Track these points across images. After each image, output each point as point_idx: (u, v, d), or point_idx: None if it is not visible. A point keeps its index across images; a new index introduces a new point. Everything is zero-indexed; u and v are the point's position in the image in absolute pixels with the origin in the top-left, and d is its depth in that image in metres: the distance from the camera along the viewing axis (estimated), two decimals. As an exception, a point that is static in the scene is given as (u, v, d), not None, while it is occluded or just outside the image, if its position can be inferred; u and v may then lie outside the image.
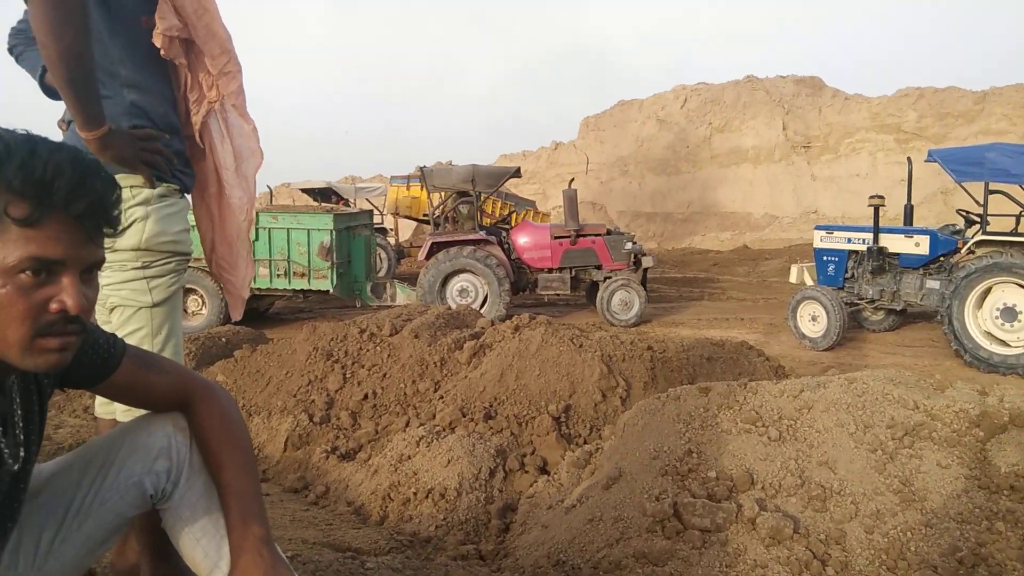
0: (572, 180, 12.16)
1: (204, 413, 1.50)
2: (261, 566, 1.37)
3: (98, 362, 1.40)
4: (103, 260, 1.18)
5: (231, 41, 2.05)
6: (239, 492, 1.45)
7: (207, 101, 2.02)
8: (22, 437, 1.24)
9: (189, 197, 2.12)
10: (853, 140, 23.25)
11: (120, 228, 1.18)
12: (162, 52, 1.92)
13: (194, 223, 2.21)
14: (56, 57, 1.64)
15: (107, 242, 1.58)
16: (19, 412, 1.24)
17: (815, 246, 9.07)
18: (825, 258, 8.88)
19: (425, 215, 14.05)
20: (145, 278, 1.89)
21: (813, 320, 8.37)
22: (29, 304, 1.07)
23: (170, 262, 1.95)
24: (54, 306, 1.10)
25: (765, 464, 2.72)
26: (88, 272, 1.15)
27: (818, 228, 9.24)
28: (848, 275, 8.69)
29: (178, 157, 1.96)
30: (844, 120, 23.67)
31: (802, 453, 2.73)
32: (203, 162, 2.09)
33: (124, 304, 1.89)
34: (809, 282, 9.04)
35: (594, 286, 10.88)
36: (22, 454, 1.22)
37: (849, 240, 8.65)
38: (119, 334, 1.88)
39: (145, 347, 1.87)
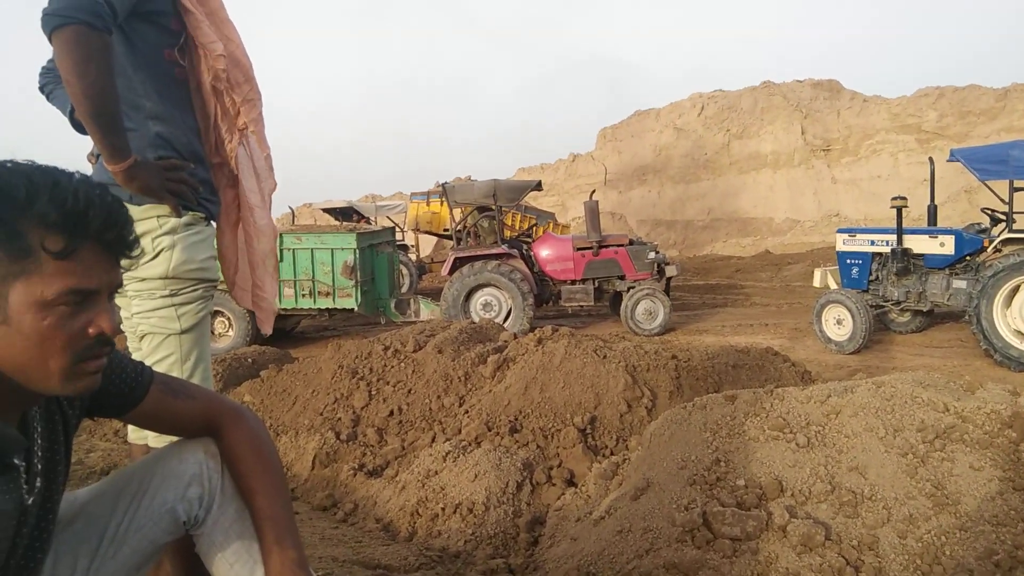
0: (593, 192, 12.16)
1: (234, 438, 1.52)
2: None
3: (126, 391, 1.43)
4: (122, 282, 1.21)
5: (252, 69, 2.10)
6: (272, 517, 1.47)
7: (238, 128, 2.06)
8: (40, 467, 1.24)
9: (214, 224, 2.16)
10: (873, 142, 23.08)
11: (137, 252, 1.20)
12: (211, 80, 1.97)
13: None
14: (81, 93, 1.68)
15: (138, 271, 1.61)
16: (40, 442, 1.25)
17: (838, 249, 8.99)
18: (849, 261, 8.80)
19: (446, 230, 14.13)
20: (173, 305, 1.92)
21: (838, 324, 8.29)
22: (70, 334, 1.10)
23: (197, 289, 1.98)
24: (92, 331, 1.12)
25: (794, 471, 2.70)
26: (110, 297, 1.18)
27: (840, 231, 9.16)
28: (872, 277, 8.60)
29: (204, 185, 2.00)
30: (863, 122, 23.50)
31: (831, 459, 2.71)
32: (231, 189, 2.13)
33: (154, 332, 1.93)
34: (833, 285, 8.97)
35: (618, 296, 10.86)
36: (39, 485, 1.23)
37: (872, 242, 8.57)
38: (149, 361, 1.92)
39: (175, 373, 1.91)
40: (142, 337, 1.96)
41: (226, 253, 2.24)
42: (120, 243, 1.15)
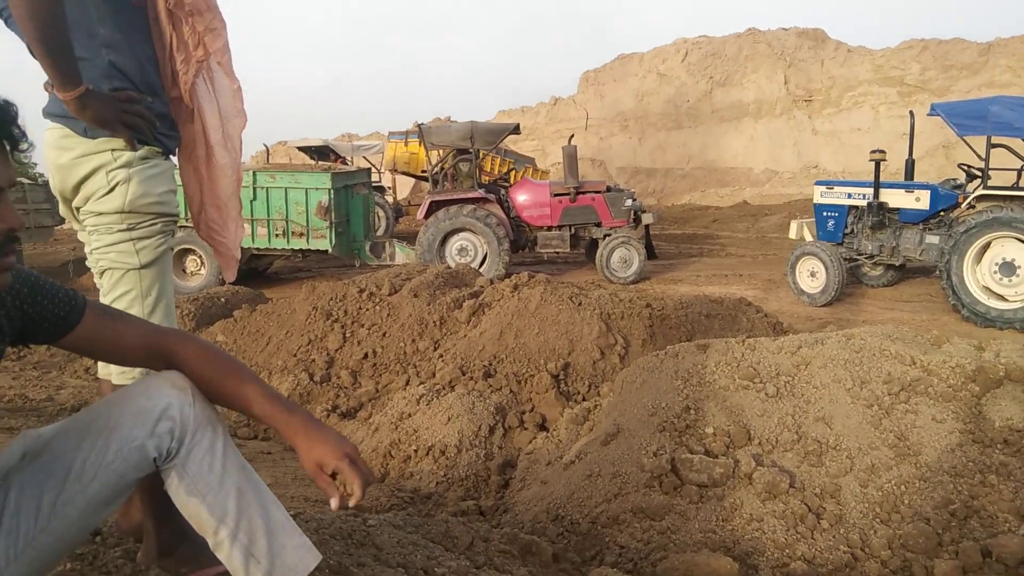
0: (572, 136, 12.06)
1: (188, 353, 1.52)
2: (326, 435, 1.46)
3: (60, 314, 1.43)
4: (15, 181, 1.21)
5: None
6: (267, 395, 1.50)
7: (195, 60, 1.98)
8: None
9: (175, 159, 2.10)
10: (855, 94, 23.01)
11: (26, 146, 1.21)
12: (173, 5, 1.89)
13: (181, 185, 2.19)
14: (26, 15, 1.61)
15: (94, 205, 1.57)
16: None
17: (815, 202, 9.03)
18: (825, 214, 8.84)
19: (424, 171, 13.99)
20: (132, 239, 1.88)
21: (812, 276, 8.37)
22: None
23: (156, 223, 1.94)
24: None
25: (762, 420, 2.74)
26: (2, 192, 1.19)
27: (818, 183, 9.18)
28: (848, 231, 8.66)
29: (161, 120, 1.93)
30: (847, 73, 23.39)
31: (799, 409, 2.75)
32: (190, 124, 2.06)
33: (113, 267, 1.89)
34: (808, 238, 9.02)
35: (594, 244, 10.87)
36: None
37: (849, 195, 8.60)
38: (109, 297, 1.89)
39: (135, 309, 1.88)
40: (102, 273, 1.92)
41: (189, 190, 2.18)
42: (2, 134, 1.15)
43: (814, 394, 2.80)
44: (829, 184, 9.03)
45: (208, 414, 1.51)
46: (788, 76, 24.64)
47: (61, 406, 4.46)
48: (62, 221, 24.02)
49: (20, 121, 1.20)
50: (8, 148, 1.18)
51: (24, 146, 1.20)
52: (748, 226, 17.66)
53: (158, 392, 1.47)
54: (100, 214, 1.85)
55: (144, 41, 1.94)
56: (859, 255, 8.58)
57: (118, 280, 1.90)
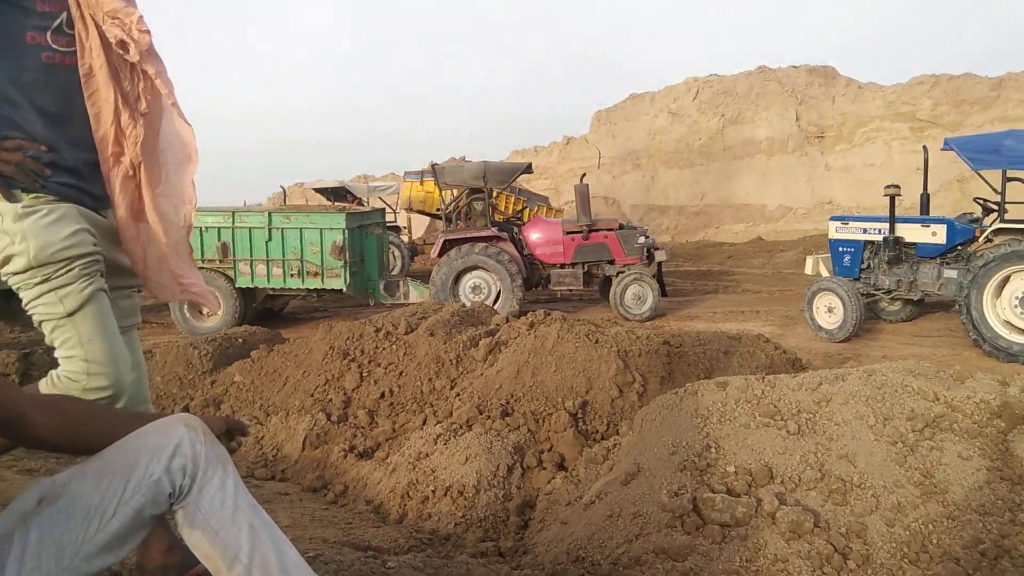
0: (584, 175, 12.13)
1: (39, 417, 1.50)
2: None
3: None
4: None
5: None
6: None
7: (140, 113, 1.97)
8: None
9: (108, 216, 2.04)
10: (867, 129, 23.08)
11: None
12: (126, 53, 1.88)
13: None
14: None
15: (2, 271, 1.61)
16: None
17: (830, 237, 9.02)
18: (841, 249, 8.82)
19: (438, 209, 14.11)
20: (52, 290, 1.84)
21: (829, 311, 8.32)
22: None
23: (73, 267, 1.87)
24: None
25: (784, 458, 2.71)
26: None
27: (833, 219, 9.18)
28: (864, 266, 8.63)
29: (58, 171, 1.89)
30: (858, 109, 23.49)
31: (821, 446, 2.72)
32: (132, 179, 2.00)
33: (44, 319, 1.87)
34: (825, 273, 9.00)
35: (607, 281, 10.87)
36: None
37: (865, 230, 8.59)
38: (57, 351, 1.89)
39: (79, 355, 1.87)
40: (40, 324, 1.90)
41: (129, 248, 2.10)
42: None
43: (836, 431, 2.76)
44: (844, 219, 9.03)
45: (219, 452, 1.54)
46: (799, 113, 24.76)
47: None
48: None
49: None
50: None
51: None
52: (763, 262, 17.62)
53: (172, 429, 1.51)
54: (13, 274, 1.83)
55: (55, 98, 1.91)
56: (876, 290, 8.54)
57: (53, 330, 1.88)
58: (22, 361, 6.42)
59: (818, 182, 24.14)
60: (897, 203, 8.31)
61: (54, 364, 5.80)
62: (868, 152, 22.94)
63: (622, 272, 10.42)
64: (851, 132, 23.60)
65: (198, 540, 1.49)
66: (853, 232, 8.71)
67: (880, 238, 8.32)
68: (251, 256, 10.14)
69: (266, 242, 10.10)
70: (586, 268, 10.77)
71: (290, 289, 10.45)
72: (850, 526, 2.43)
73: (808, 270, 9.42)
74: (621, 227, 10.98)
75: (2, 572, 1.35)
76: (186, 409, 5.13)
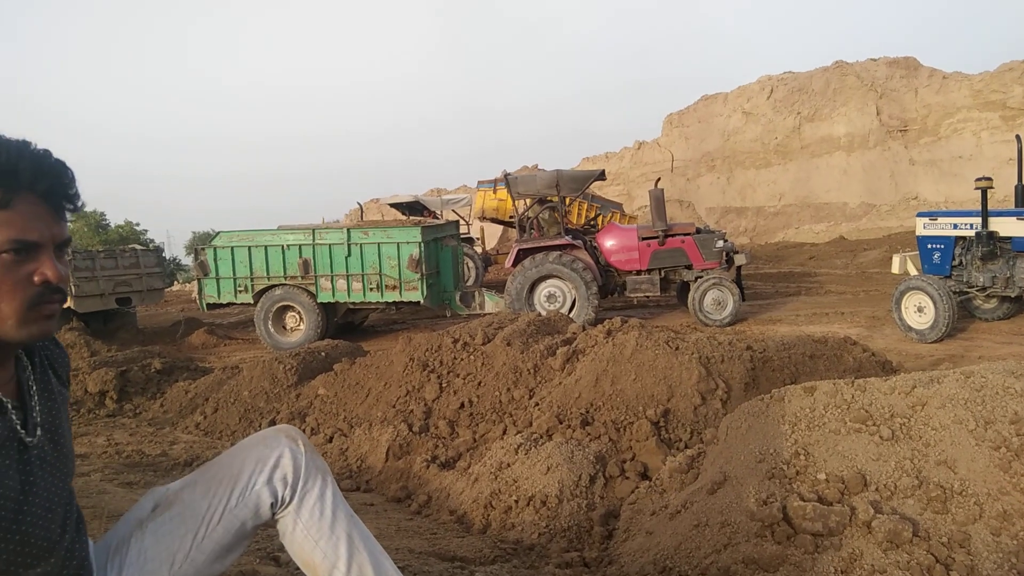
0: (659, 180, 11.99)
1: None
2: None
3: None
4: (70, 239, 1.30)
5: None
6: None
7: None
8: (38, 419, 1.33)
9: None
10: (954, 120, 22.13)
11: (80, 204, 1.29)
12: None
13: None
14: None
15: None
16: (36, 398, 1.35)
17: (918, 234, 8.67)
18: (930, 246, 8.47)
19: (511, 217, 14.17)
20: None
21: (919, 311, 8.00)
22: (15, 280, 1.20)
23: None
24: (37, 279, 1.21)
25: (878, 464, 2.61)
26: (59, 250, 1.27)
27: (921, 215, 8.83)
28: (956, 262, 8.26)
29: None
30: (943, 100, 22.56)
31: (918, 452, 2.61)
32: None
33: None
34: (913, 272, 8.66)
35: (685, 287, 10.70)
36: (39, 434, 1.31)
37: (955, 226, 8.22)
38: None
39: None
40: None
41: None
42: (57, 194, 1.24)
43: (933, 436, 2.65)
44: (932, 215, 8.67)
45: (319, 463, 1.61)
46: (880, 107, 23.94)
47: (174, 460, 4.65)
48: (171, 284, 25.30)
49: (76, 184, 1.30)
50: (64, 208, 1.27)
51: (79, 204, 1.29)
52: (846, 262, 17.08)
53: (275, 441, 1.59)
54: None
55: None
56: (970, 287, 8.16)
57: None
58: (119, 378, 6.74)
59: (902, 177, 23.27)
60: (989, 196, 7.93)
61: (149, 381, 6.03)
62: (955, 144, 21.98)
63: (700, 277, 10.25)
64: (936, 124, 22.67)
65: (298, 549, 1.55)
66: (943, 228, 8.36)
67: (972, 233, 7.96)
68: (331, 272, 10.40)
69: (346, 258, 10.34)
70: (663, 274, 10.62)
71: (369, 303, 10.66)
72: (952, 535, 2.32)
73: (895, 269, 9.08)
74: (698, 231, 10.80)
75: (120, 572, 1.44)
76: (272, 423, 5.28)
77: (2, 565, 1.20)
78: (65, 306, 8.58)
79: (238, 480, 1.53)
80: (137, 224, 36.70)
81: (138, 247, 13.46)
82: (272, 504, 1.54)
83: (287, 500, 1.55)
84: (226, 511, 1.51)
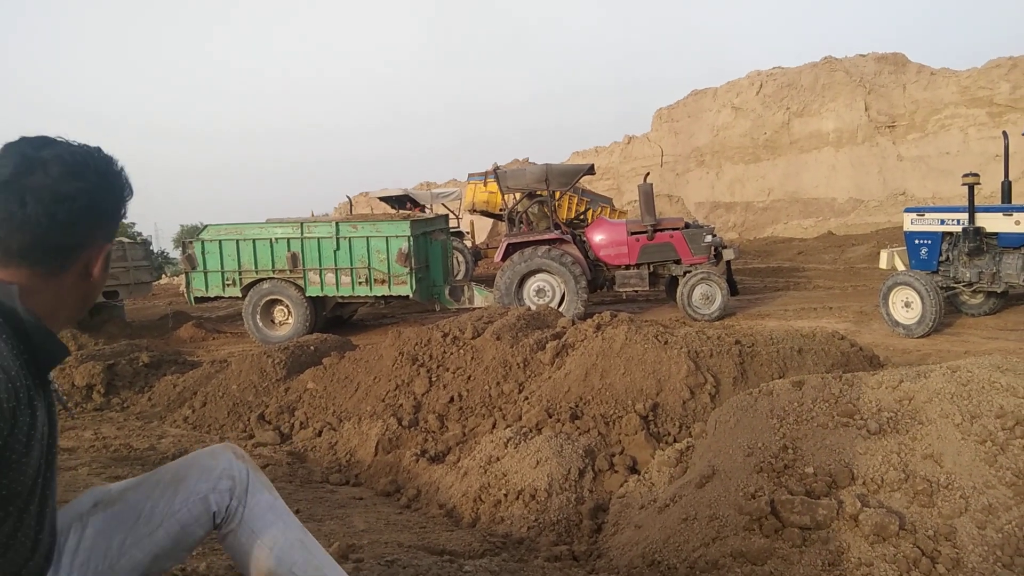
0: (647, 174, 12.00)
1: None
2: None
3: None
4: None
5: None
6: None
7: None
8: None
9: None
10: (942, 116, 22.24)
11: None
12: None
13: None
14: None
15: None
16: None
17: (905, 229, 8.71)
18: (917, 241, 8.52)
19: (502, 210, 14.19)
20: None
21: (907, 306, 8.05)
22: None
23: None
24: None
25: (865, 458, 2.62)
26: None
27: (908, 210, 8.87)
28: (943, 258, 8.31)
29: None
30: (931, 96, 22.67)
31: (905, 446, 2.62)
32: None
33: None
34: (900, 267, 8.70)
35: (674, 281, 10.73)
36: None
37: (943, 222, 8.27)
38: None
39: None
40: None
41: None
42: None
43: (920, 430, 2.66)
44: (920, 211, 8.71)
45: (265, 480, 1.68)
46: (869, 102, 24.04)
47: (163, 454, 4.62)
48: (159, 277, 25.17)
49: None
50: None
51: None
52: (835, 257, 17.17)
53: (221, 455, 1.65)
54: None
55: None
56: (956, 283, 8.21)
57: None
58: (107, 371, 6.70)
59: (890, 173, 23.38)
60: (976, 192, 7.98)
61: (136, 374, 5.99)
62: (943, 140, 22.10)
63: (689, 272, 10.28)
64: (924, 120, 22.78)
65: (252, 557, 1.58)
66: (930, 224, 8.40)
67: (959, 229, 8.00)
68: (320, 265, 10.36)
69: (334, 251, 10.30)
70: (651, 268, 10.65)
71: (358, 297, 10.63)
72: (938, 528, 2.34)
73: (883, 264, 9.13)
74: (687, 226, 10.82)
75: (58, 560, 1.46)
76: (262, 416, 5.26)
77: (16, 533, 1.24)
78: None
79: (181, 485, 1.57)
80: (124, 216, 36.46)
81: (125, 240, 13.38)
82: (215, 513, 1.58)
83: (233, 511, 1.59)
84: (168, 514, 1.55)
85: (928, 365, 3.15)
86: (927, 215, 8.54)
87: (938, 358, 6.61)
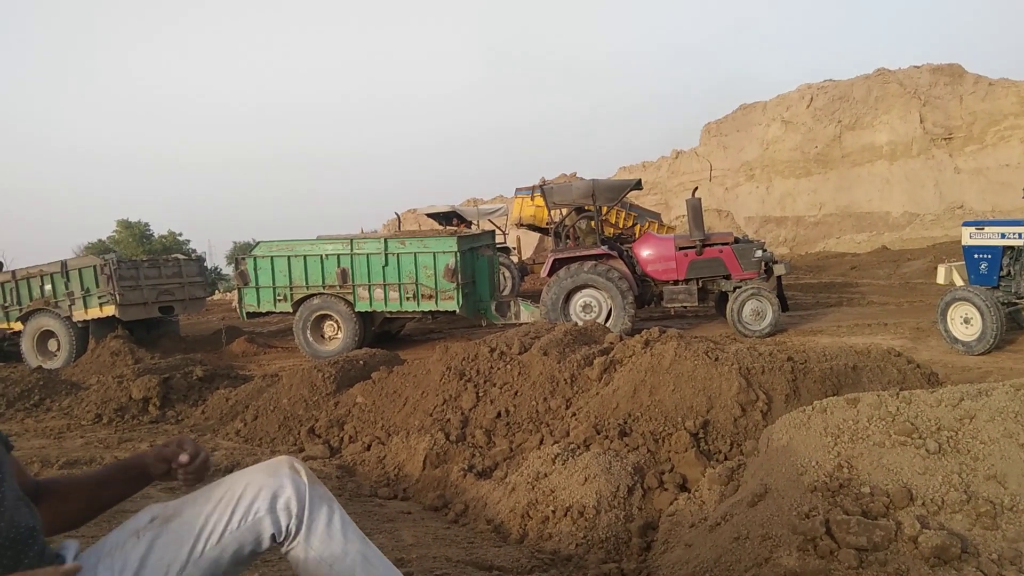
0: (696, 189, 11.89)
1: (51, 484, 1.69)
2: None
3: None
4: None
5: None
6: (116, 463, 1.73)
7: None
8: None
9: None
10: (1001, 128, 21.66)
11: None
12: None
13: None
14: None
15: None
16: None
17: (964, 243, 8.47)
18: (976, 256, 8.27)
19: (549, 223, 14.19)
20: None
21: (966, 323, 7.82)
22: None
23: None
24: None
25: (924, 478, 2.55)
26: None
27: (967, 224, 8.63)
28: (1004, 272, 8.06)
29: None
30: (989, 107, 22.09)
31: (966, 466, 2.54)
32: None
33: None
34: (959, 282, 8.46)
35: (723, 297, 10.59)
36: None
37: (1003, 235, 8.02)
38: None
39: None
40: None
41: None
42: None
43: (982, 450, 2.58)
44: (979, 224, 8.47)
45: (323, 492, 1.65)
46: (924, 114, 23.52)
47: (216, 467, 4.70)
48: (212, 293, 25.75)
49: None
50: None
51: None
52: (889, 272, 16.77)
53: (279, 471, 1.62)
54: None
55: None
56: (1019, 298, 7.95)
57: None
58: (162, 385, 6.86)
59: (947, 186, 22.81)
60: (1038, 205, 7.74)
61: (191, 388, 6.14)
62: (1002, 152, 21.50)
63: (739, 287, 10.14)
64: (982, 132, 22.20)
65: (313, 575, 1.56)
66: (990, 237, 8.16)
67: (1021, 243, 7.76)
68: (369, 281, 10.49)
69: (383, 267, 10.43)
70: (700, 284, 10.52)
71: (406, 312, 10.73)
72: (1002, 552, 2.26)
73: (940, 279, 8.89)
74: (736, 241, 10.69)
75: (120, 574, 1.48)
76: (312, 429, 5.33)
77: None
78: (110, 314, 8.70)
79: (240, 503, 1.56)
80: (180, 234, 37.45)
81: (180, 257, 13.72)
82: (274, 535, 1.57)
83: (293, 532, 1.58)
84: (226, 532, 1.54)
85: (990, 383, 3.05)
86: (987, 229, 8.29)
87: (1000, 376, 6.41)
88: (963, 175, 22.51)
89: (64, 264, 11.39)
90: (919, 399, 2.88)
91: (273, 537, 1.57)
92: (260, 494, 1.57)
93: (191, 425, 6.22)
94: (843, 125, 25.76)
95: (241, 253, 11.92)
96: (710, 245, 10.48)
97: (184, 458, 1.64)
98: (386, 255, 10.42)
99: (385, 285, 10.46)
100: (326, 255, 10.60)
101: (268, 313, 11.31)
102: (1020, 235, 7.80)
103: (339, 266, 10.53)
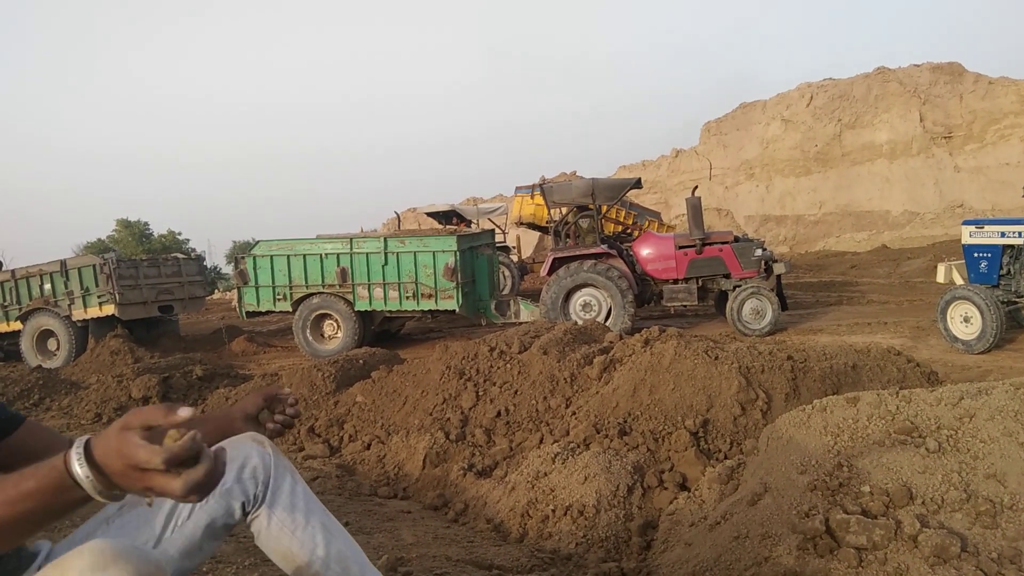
0: (696, 188, 11.90)
1: None
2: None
3: (3, 416, 1.52)
4: None
5: None
6: None
7: None
8: None
9: None
10: (1001, 127, 21.66)
11: None
12: None
13: None
14: None
15: None
16: None
17: (964, 242, 8.47)
18: (976, 254, 8.27)
19: (549, 223, 14.20)
20: None
21: (966, 321, 7.82)
22: None
23: None
24: None
25: (924, 477, 2.55)
26: None
27: (967, 223, 8.63)
28: (1003, 271, 8.06)
29: None
30: (989, 106, 22.09)
31: (966, 465, 2.54)
32: None
33: None
34: (959, 281, 8.46)
35: (723, 296, 10.60)
36: None
37: (1003, 234, 8.02)
38: None
39: None
40: None
41: None
42: None
43: (982, 449, 2.58)
44: (979, 223, 8.47)
45: (286, 463, 1.69)
46: (924, 113, 23.53)
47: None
48: (212, 292, 25.75)
49: None
50: None
51: None
52: (889, 271, 16.78)
53: (242, 445, 1.65)
54: None
55: None
56: (1019, 297, 7.95)
57: None
58: (162, 384, 6.86)
59: (947, 185, 22.82)
60: (1039, 203, 7.74)
61: (190, 387, 6.18)
62: (1002, 151, 21.51)
63: (739, 286, 10.14)
64: (982, 130, 22.20)
65: (275, 543, 1.63)
66: (990, 236, 8.16)
67: (1021, 241, 7.76)
68: (368, 280, 10.49)
69: (382, 266, 10.44)
70: (700, 283, 10.53)
71: (406, 311, 10.73)
72: (1002, 551, 2.26)
73: (940, 278, 8.89)
74: (736, 239, 10.69)
75: None
76: (311, 429, 5.33)
77: None
78: (110, 314, 8.70)
79: None
80: (179, 233, 37.46)
81: (180, 256, 13.72)
82: (244, 503, 1.59)
83: (259, 498, 1.61)
84: (195, 508, 1.56)
85: (990, 382, 3.05)
86: (987, 227, 8.29)
87: (1000, 375, 6.40)
88: (963, 174, 22.52)
89: (64, 263, 11.40)
90: (919, 398, 2.88)
91: (243, 506, 1.60)
92: (227, 467, 1.60)
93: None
94: (843, 124, 25.76)
95: (240, 252, 11.92)
96: (710, 244, 10.48)
97: (291, 397, 1.73)
98: (386, 254, 10.42)
99: (385, 284, 10.46)
100: (326, 254, 10.60)
101: (268, 312, 11.31)
102: (1020, 234, 7.80)
103: (339, 265, 10.53)
